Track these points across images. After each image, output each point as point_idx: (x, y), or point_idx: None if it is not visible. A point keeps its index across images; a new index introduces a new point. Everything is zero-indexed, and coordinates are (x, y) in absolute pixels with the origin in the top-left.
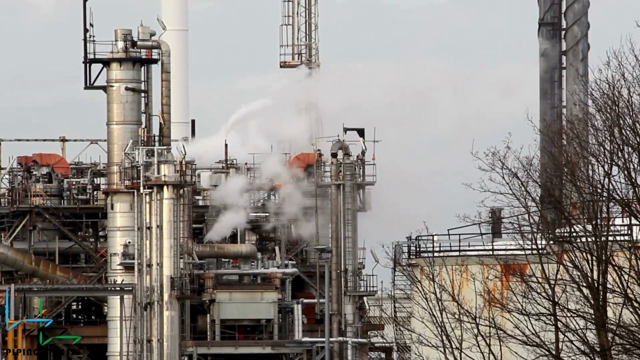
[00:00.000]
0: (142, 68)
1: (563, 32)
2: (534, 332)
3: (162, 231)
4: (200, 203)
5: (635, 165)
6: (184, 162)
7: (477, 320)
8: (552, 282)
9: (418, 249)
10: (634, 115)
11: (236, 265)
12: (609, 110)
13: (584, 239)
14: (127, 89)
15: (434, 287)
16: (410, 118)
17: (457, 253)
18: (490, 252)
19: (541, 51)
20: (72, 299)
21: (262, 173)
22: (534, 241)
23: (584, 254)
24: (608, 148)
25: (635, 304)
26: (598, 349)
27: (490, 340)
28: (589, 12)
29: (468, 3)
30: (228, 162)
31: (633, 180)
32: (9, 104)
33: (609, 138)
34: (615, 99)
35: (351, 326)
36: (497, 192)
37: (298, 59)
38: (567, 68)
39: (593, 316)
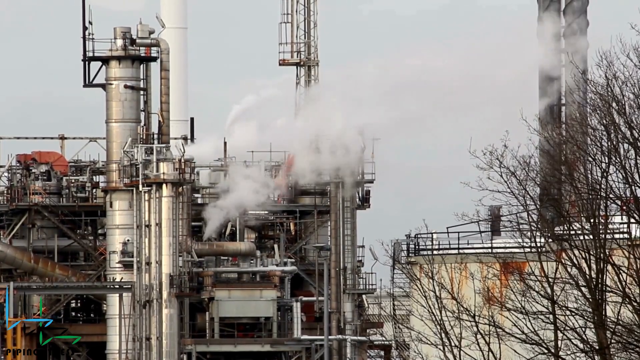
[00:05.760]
0: (141, 66)
1: (562, 30)
2: (532, 330)
3: (161, 229)
4: (199, 201)
5: (632, 164)
6: (183, 160)
7: (476, 318)
8: (551, 280)
9: (417, 247)
10: (629, 113)
11: (235, 263)
12: (604, 108)
13: (582, 238)
14: (126, 87)
15: (433, 285)
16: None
17: (456, 251)
18: (489, 250)
19: (540, 50)
20: (71, 297)
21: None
22: (532, 239)
23: (583, 252)
24: (605, 146)
25: (634, 303)
26: (597, 348)
27: (489, 338)
28: (588, 10)
29: (465, 5)
30: (227, 160)
31: (630, 179)
32: (8, 102)
33: (605, 136)
34: (610, 97)
35: (350, 324)
36: (495, 191)
37: (297, 57)
38: (566, 66)
39: (592, 314)
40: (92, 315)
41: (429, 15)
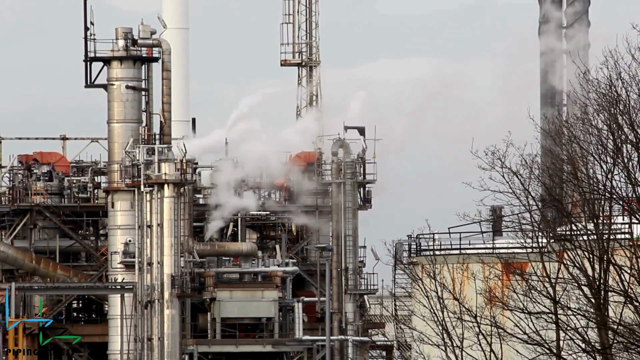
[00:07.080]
0: (143, 66)
1: (564, 31)
2: (534, 330)
3: (163, 229)
4: (201, 201)
5: (635, 164)
6: (184, 161)
7: (478, 318)
8: (553, 280)
9: (419, 247)
10: (632, 114)
11: (237, 263)
12: (608, 109)
13: (584, 238)
14: (127, 87)
15: (435, 285)
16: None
17: (457, 251)
18: (491, 251)
19: (542, 50)
20: (72, 298)
21: (262, 171)
22: (534, 239)
23: (585, 252)
24: (610, 147)
25: (636, 303)
26: (599, 348)
27: (491, 338)
28: (590, 11)
29: (465, 6)
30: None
31: (633, 179)
32: (9, 103)
33: (610, 137)
34: (614, 97)
35: (352, 324)
36: (497, 191)
37: (299, 57)
38: (568, 67)
39: (594, 315)
40: (93, 315)
41: (418, 18)
